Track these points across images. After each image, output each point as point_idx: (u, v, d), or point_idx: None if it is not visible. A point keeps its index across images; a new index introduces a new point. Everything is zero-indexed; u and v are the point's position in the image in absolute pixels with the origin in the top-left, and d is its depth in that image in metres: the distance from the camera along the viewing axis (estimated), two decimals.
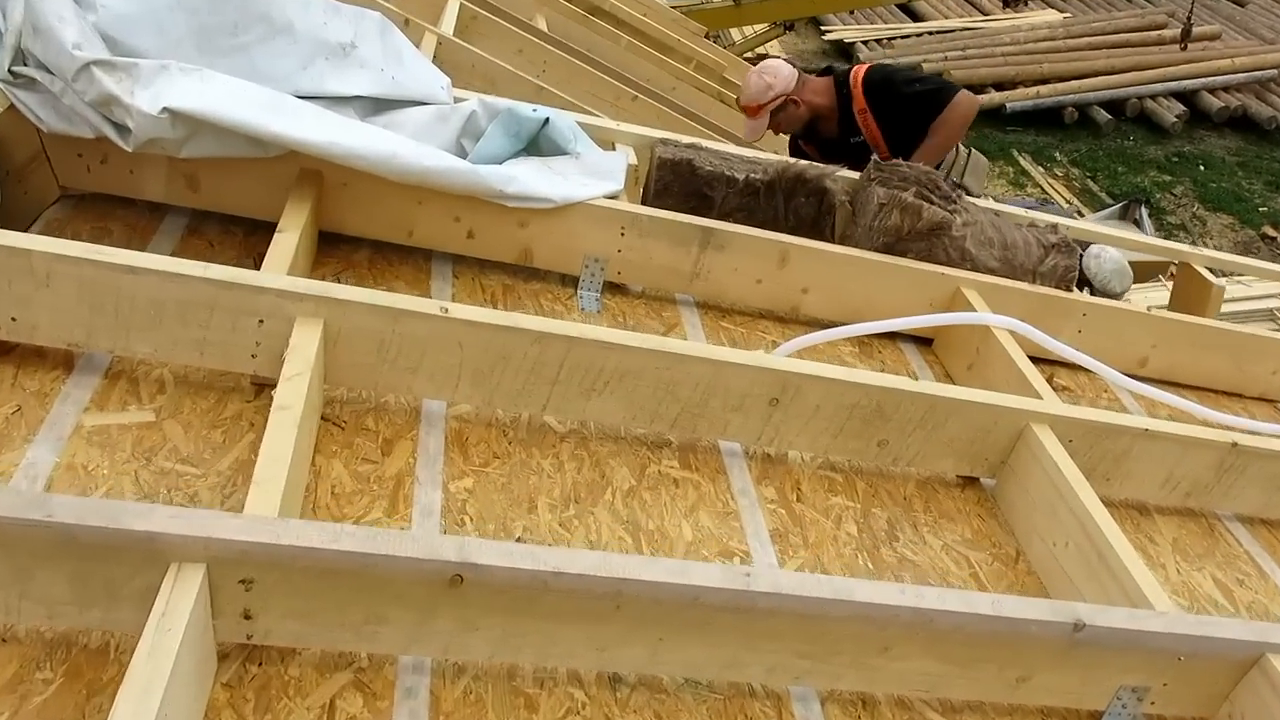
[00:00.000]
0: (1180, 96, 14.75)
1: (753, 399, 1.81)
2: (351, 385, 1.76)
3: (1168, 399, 2.34)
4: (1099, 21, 15.95)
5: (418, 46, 3.66)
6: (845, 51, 15.94)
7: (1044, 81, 14.68)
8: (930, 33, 16.04)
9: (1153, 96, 14.69)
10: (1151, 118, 14.65)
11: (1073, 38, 15.41)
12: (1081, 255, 4.84)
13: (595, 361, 1.74)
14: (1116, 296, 4.75)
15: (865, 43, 15.74)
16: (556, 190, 2.24)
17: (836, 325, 2.45)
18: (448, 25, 3.93)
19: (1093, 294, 4.75)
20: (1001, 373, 2.25)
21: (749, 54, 12.96)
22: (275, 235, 1.95)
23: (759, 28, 11.98)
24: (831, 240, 2.67)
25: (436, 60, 3.64)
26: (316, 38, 2.15)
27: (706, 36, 12.91)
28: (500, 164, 2.36)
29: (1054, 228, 2.67)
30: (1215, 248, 12.88)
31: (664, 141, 2.66)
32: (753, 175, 2.62)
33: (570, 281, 2.38)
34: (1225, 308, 11.75)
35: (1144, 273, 11.56)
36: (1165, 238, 12.63)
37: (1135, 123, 14.86)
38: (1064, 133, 14.62)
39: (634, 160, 2.58)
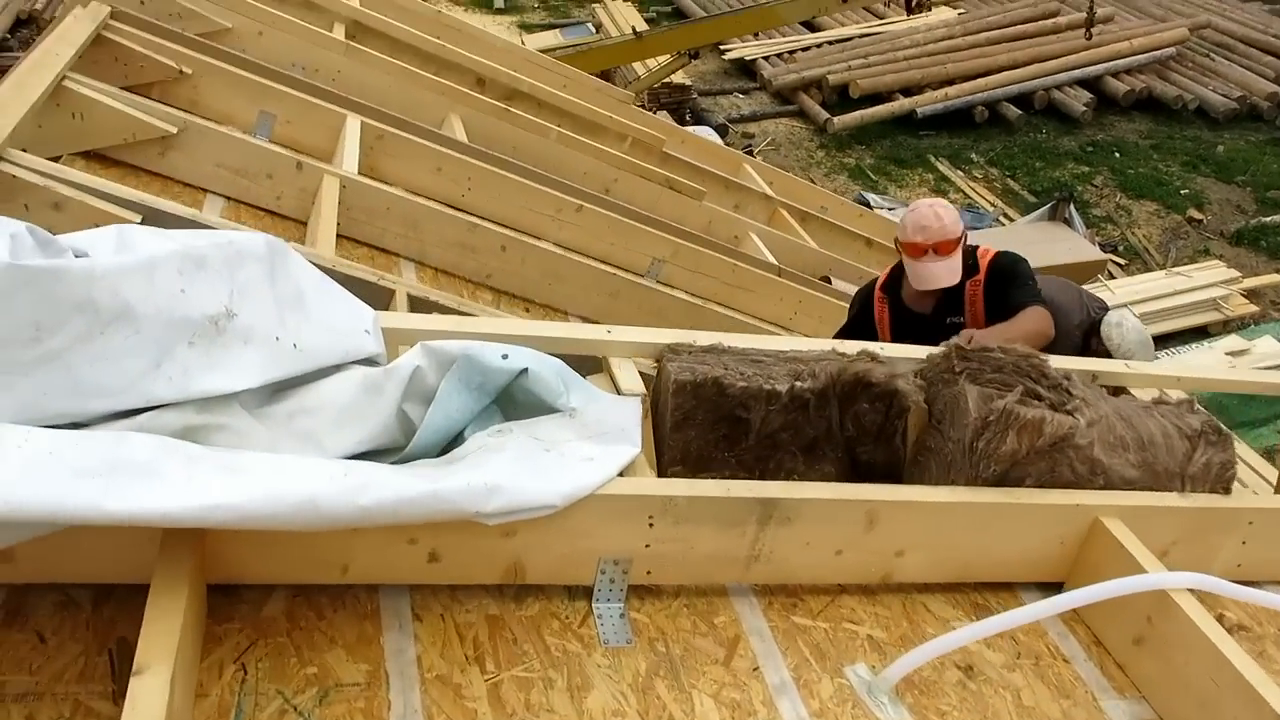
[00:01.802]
0: (1085, 84, 14.70)
1: None
2: None
3: None
4: (994, 15, 15.85)
5: (315, 194, 2.93)
6: (747, 69, 15.52)
7: (950, 82, 14.47)
8: (830, 42, 15.74)
9: (1058, 86, 14.60)
10: (1060, 108, 14.57)
11: (970, 34, 15.26)
12: (1099, 322, 4.37)
13: None
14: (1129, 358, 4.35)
15: (766, 58, 15.34)
16: (556, 486, 1.54)
17: (938, 585, 1.81)
18: (350, 156, 3.18)
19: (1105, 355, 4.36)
20: (1187, 652, 1.63)
21: (656, 85, 12.41)
22: (132, 678, 1.21)
23: (663, 59, 11.39)
24: (904, 450, 2.03)
25: (344, 208, 2.91)
26: (172, 317, 1.41)
27: (605, 77, 12.34)
28: (466, 434, 1.65)
29: (1190, 403, 2.06)
30: (1144, 237, 12.80)
31: (674, 350, 1.97)
32: (799, 385, 1.96)
33: (581, 593, 1.68)
34: (1166, 302, 11.45)
35: (1084, 273, 11.39)
36: (1094, 231, 12.48)
37: (1045, 115, 14.77)
38: (977, 133, 14.42)
39: (641, 388, 1.88)
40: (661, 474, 1.93)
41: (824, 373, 1.98)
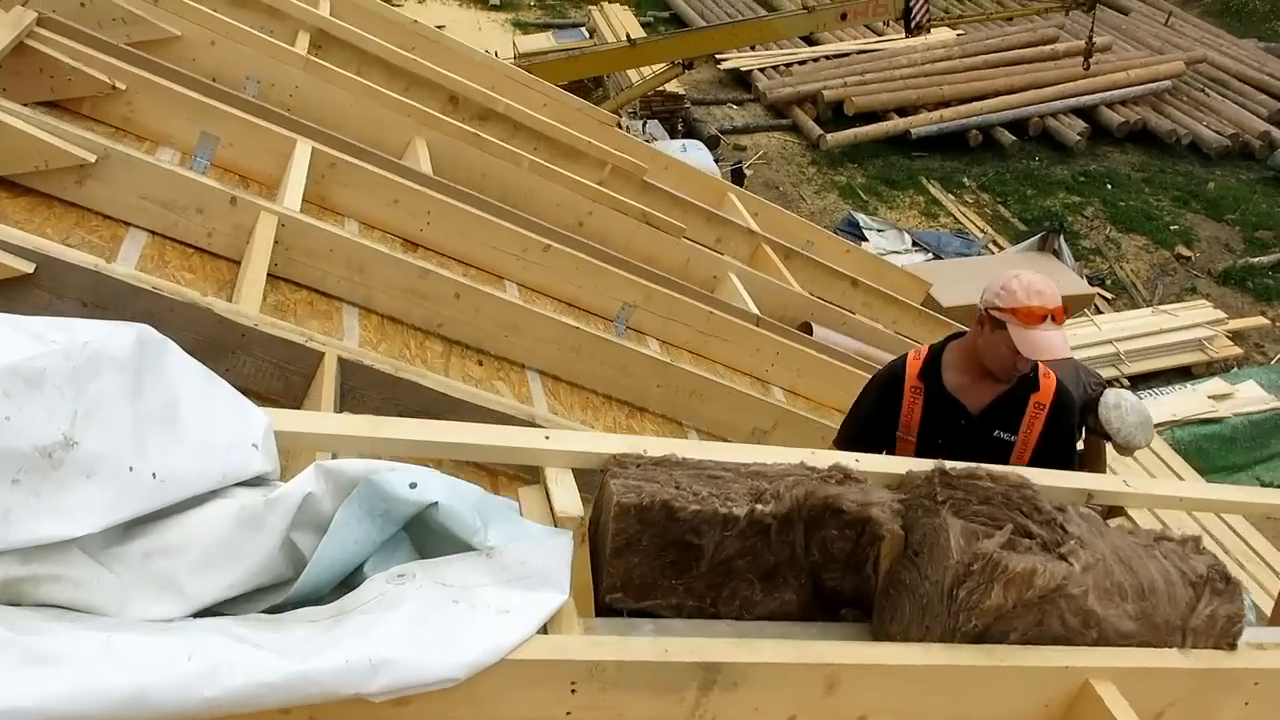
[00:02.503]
0: (1080, 113, 14.58)
1: None
2: None
3: None
4: (993, 39, 15.71)
5: (250, 234, 2.67)
6: (742, 79, 15.31)
7: (945, 104, 14.31)
8: (826, 57, 15.56)
9: (1054, 114, 14.47)
10: (1054, 136, 14.44)
11: (968, 55, 15.10)
12: (1097, 403, 4.12)
13: None
14: (1140, 448, 4.11)
15: (762, 70, 15.14)
16: (459, 656, 1.30)
17: None
18: (294, 189, 2.92)
19: (1114, 447, 4.07)
20: None
21: (649, 93, 12.16)
22: None
23: (656, 67, 11.15)
24: (874, 578, 1.81)
25: (281, 248, 2.67)
26: None
27: (598, 86, 12.07)
28: (366, 569, 1.42)
29: (1196, 542, 1.84)
30: (1132, 271, 12.66)
31: (620, 463, 1.73)
32: (760, 509, 1.72)
33: None
34: (1152, 340, 11.25)
35: (1072, 307, 11.22)
36: (1082, 264, 12.33)
37: (1039, 142, 14.63)
38: (970, 156, 14.26)
39: (578, 510, 1.64)
40: (599, 601, 1.70)
41: (789, 495, 1.75)
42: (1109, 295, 12.05)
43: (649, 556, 1.70)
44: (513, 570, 1.44)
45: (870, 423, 2.75)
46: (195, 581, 1.30)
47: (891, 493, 1.80)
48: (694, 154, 10.54)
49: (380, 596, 1.35)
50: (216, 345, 2.26)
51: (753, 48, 14.55)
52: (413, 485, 1.42)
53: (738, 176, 11.44)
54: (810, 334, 4.43)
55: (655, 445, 1.79)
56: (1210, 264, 12.74)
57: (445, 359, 2.94)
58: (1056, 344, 2.49)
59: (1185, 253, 12.82)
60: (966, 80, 14.54)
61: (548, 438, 1.73)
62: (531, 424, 2.56)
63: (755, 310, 4.12)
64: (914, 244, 12.34)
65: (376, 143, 3.76)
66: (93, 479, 1.23)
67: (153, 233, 2.59)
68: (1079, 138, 14.34)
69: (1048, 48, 15.44)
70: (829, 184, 13.52)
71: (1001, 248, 12.58)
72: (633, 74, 11.65)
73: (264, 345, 2.27)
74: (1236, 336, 11.22)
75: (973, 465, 1.81)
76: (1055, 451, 2.56)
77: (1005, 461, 2.54)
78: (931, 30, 12.44)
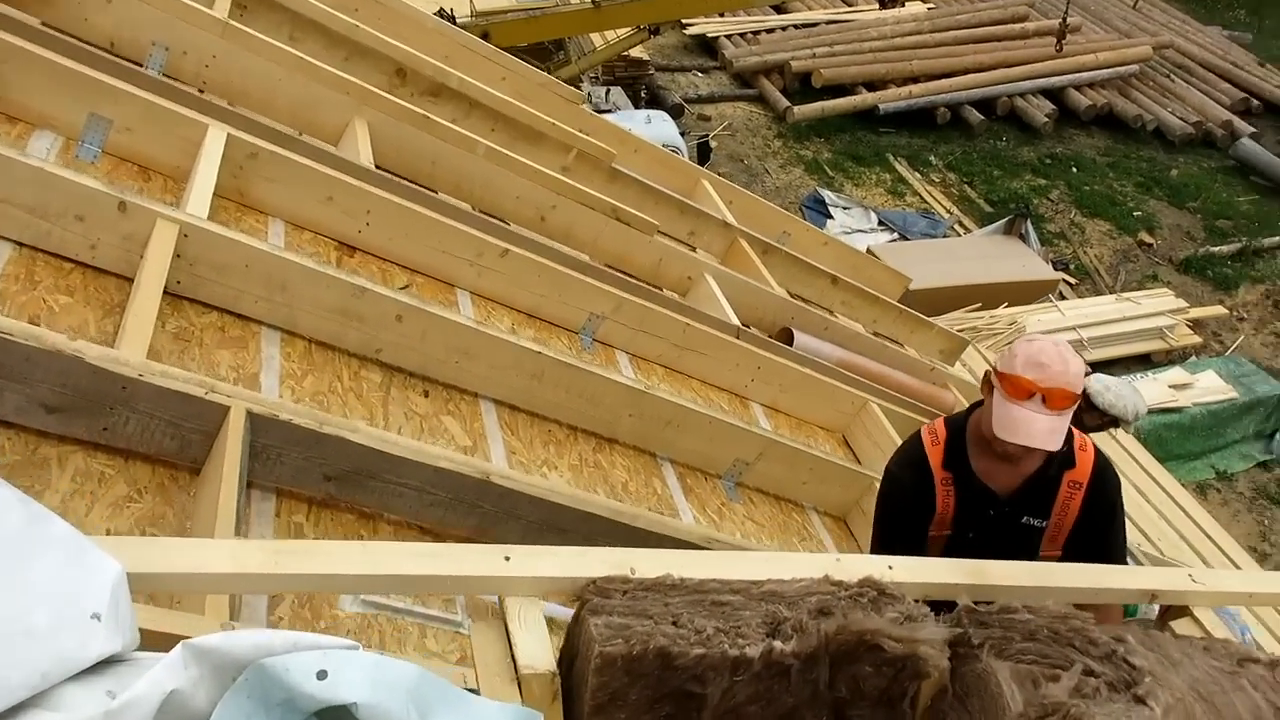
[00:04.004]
0: (1048, 94, 14.36)
1: None
2: None
3: None
4: (964, 14, 15.38)
5: (144, 248, 2.21)
6: (708, 46, 14.81)
7: (914, 79, 14.00)
8: (795, 26, 15.12)
9: (1022, 94, 14.24)
10: (1022, 116, 14.22)
11: (938, 30, 14.77)
12: (1088, 390, 3.98)
13: None
14: (1144, 415, 4.11)
15: (729, 37, 14.66)
16: None
17: None
18: (202, 187, 2.45)
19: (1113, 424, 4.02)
20: None
21: (613, 59, 11.61)
22: None
23: (621, 32, 10.61)
24: (911, 716, 1.46)
25: (185, 263, 2.23)
26: None
27: (560, 49, 11.47)
28: None
29: None
30: (1096, 257, 12.52)
31: (602, 591, 1.34)
32: (779, 647, 1.35)
33: None
34: (1114, 328, 11.23)
35: (1037, 292, 11.04)
36: (1047, 248, 12.15)
37: (1006, 122, 14.40)
38: (937, 134, 13.98)
39: (549, 664, 1.26)
40: None
41: (815, 628, 1.38)
42: (1073, 281, 11.90)
43: (638, 712, 1.33)
44: None
45: (907, 527, 2.34)
46: None
47: (941, 624, 1.44)
48: (659, 126, 10.09)
49: None
50: (91, 400, 1.81)
51: (721, 14, 14.05)
52: (321, 675, 1.01)
53: (704, 150, 11.02)
54: (790, 340, 4.07)
55: (645, 563, 1.40)
56: (1171, 251, 12.67)
57: (384, 391, 2.52)
58: (1036, 430, 2.07)
59: (1147, 239, 12.73)
60: (936, 56, 14.22)
61: (508, 558, 1.33)
62: (486, 481, 2.16)
63: (734, 318, 3.74)
64: (880, 223, 12.05)
65: (310, 125, 3.28)
66: None
67: (19, 244, 2.12)
68: (1046, 119, 14.14)
69: (1018, 26, 15.18)
70: (795, 158, 13.15)
71: (968, 229, 12.36)
72: (596, 38, 11.10)
73: (152, 400, 1.83)
74: (1196, 325, 11.15)
75: (1004, 602, 1.46)
76: (1098, 534, 2.21)
77: (1035, 550, 2.20)
78: (905, 4, 12.07)
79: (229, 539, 1.57)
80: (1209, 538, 6.09)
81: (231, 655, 1.02)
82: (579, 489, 2.62)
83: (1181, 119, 14.46)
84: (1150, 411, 9.09)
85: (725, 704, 1.38)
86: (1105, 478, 2.24)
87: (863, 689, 1.45)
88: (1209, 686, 1.51)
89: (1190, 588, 1.78)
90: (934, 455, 2.27)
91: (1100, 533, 2.21)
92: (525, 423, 2.75)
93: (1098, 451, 2.23)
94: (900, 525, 2.36)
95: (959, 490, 2.23)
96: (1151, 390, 9.46)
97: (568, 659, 1.37)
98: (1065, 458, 2.19)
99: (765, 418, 3.62)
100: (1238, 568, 5.80)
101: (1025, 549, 2.09)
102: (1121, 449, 7.78)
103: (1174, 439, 9.54)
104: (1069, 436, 2.17)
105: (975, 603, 1.47)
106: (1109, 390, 3.87)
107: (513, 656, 1.26)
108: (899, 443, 3.36)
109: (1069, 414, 2.08)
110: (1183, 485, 8.03)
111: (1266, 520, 8.82)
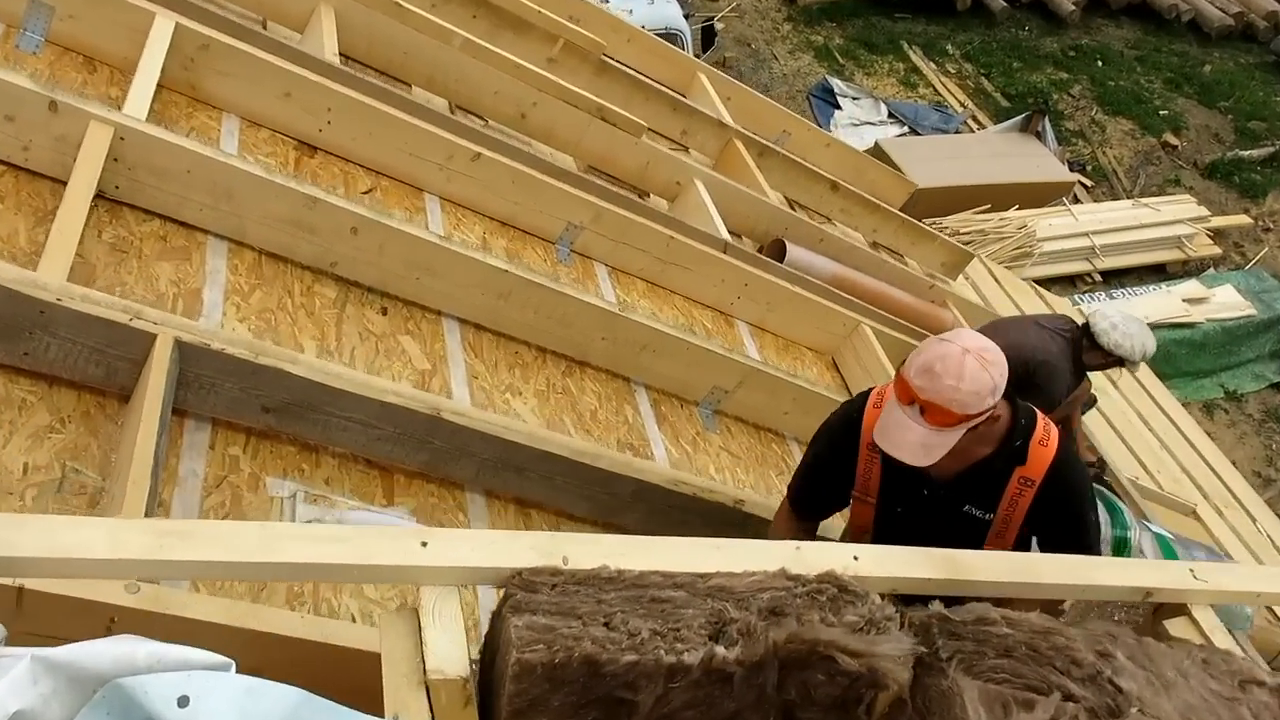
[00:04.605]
0: None
1: None
2: None
3: None
4: None
5: (76, 149, 2.03)
6: None
7: None
8: None
9: None
10: (1047, 4, 13.50)
11: None
12: (1083, 345, 3.74)
13: None
14: (1152, 353, 3.74)
15: None
16: None
17: None
18: (144, 84, 2.25)
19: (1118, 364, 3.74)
20: None
21: None
22: None
23: None
24: None
25: (123, 168, 2.10)
26: None
27: None
28: None
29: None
30: (1115, 158, 12.10)
31: (528, 585, 1.23)
32: (721, 653, 1.25)
33: None
34: (1130, 235, 10.67)
35: (1051, 194, 10.68)
36: (1064, 148, 11.73)
37: (1030, 10, 13.69)
38: (956, 21, 13.31)
39: (463, 668, 1.16)
40: None
41: (763, 634, 1.28)
42: (1088, 183, 11.53)
43: (561, 717, 1.24)
44: None
45: (824, 478, 2.25)
46: None
47: (906, 636, 1.33)
48: (661, 6, 9.56)
49: None
50: (8, 324, 1.68)
51: None
52: (183, 701, 0.91)
53: (709, 34, 10.50)
54: (783, 252, 3.89)
55: (581, 550, 1.29)
56: (1197, 154, 12.20)
57: (338, 308, 2.37)
58: (907, 440, 1.89)
59: (1172, 141, 12.26)
60: None
61: (425, 544, 1.22)
62: (436, 418, 2.04)
63: (723, 229, 3.56)
64: (890, 115, 11.60)
65: (275, 12, 3.03)
66: None
67: None
68: (1074, 7, 13.45)
69: None
70: (804, 43, 12.56)
71: (982, 125, 11.91)
72: None
73: (72, 326, 1.69)
74: (1217, 235, 10.83)
75: (982, 608, 1.35)
76: (1051, 544, 2.04)
77: (979, 541, 2.06)
78: None
79: (107, 518, 1.45)
80: (1212, 469, 5.93)
81: (88, 669, 0.92)
82: (544, 417, 2.51)
83: (1221, 9, 13.72)
84: (1161, 326, 8.75)
85: (659, 710, 1.28)
86: (1065, 482, 2.05)
87: (814, 696, 1.35)
88: (1204, 716, 1.41)
89: (1191, 585, 1.66)
90: (869, 419, 2.10)
91: (1054, 544, 2.04)
92: (490, 344, 2.62)
93: (1061, 452, 2.04)
94: (816, 472, 2.27)
95: (886, 463, 2.07)
96: (1165, 304, 9.16)
97: (490, 652, 1.28)
98: (1015, 452, 2.02)
99: (751, 337, 3.48)
100: (1240, 504, 5.70)
101: (968, 539, 1.95)
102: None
103: (1184, 355, 9.10)
104: (1027, 430, 2.02)
105: (948, 605, 1.37)
106: (1115, 329, 3.52)
107: (422, 660, 1.16)
108: (891, 371, 3.23)
109: (954, 433, 1.88)
110: (1189, 404, 7.73)
111: (1275, 444, 8.67)
